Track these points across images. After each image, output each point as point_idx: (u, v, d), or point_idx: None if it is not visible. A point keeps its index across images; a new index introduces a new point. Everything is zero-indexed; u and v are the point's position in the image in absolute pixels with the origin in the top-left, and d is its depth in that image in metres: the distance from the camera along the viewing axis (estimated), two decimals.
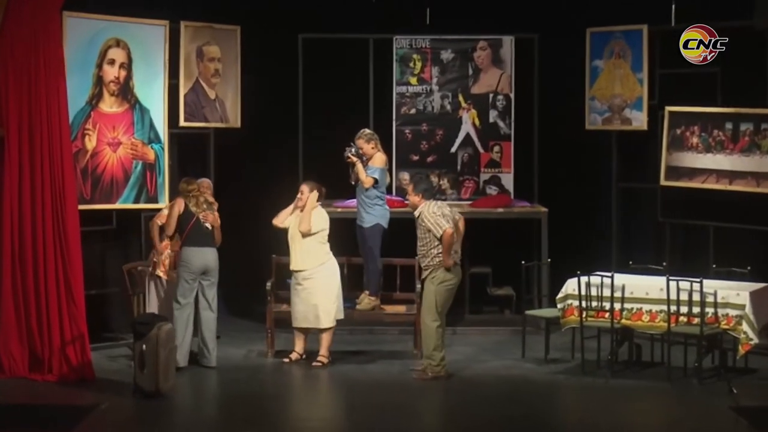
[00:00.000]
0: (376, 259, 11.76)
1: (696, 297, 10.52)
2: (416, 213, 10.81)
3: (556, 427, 9.80)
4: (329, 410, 10.44)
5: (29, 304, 10.60)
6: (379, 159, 11.69)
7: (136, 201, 12.08)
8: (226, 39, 12.68)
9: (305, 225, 11.12)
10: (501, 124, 13.52)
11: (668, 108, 12.40)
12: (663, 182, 12.48)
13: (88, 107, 11.68)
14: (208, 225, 11.10)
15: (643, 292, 10.83)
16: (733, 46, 11.74)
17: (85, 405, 9.86)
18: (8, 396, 10.19)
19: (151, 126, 12.10)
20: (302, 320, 11.31)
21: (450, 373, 10.85)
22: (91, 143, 11.73)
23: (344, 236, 11.80)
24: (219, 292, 11.34)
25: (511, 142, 13.49)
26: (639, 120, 12.66)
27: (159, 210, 11.77)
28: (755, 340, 10.50)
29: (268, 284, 11.70)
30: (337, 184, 11.87)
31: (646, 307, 10.81)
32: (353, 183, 11.77)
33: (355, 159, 11.61)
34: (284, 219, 11.30)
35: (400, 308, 11.93)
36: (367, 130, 11.90)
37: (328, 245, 11.30)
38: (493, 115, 13.51)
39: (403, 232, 11.58)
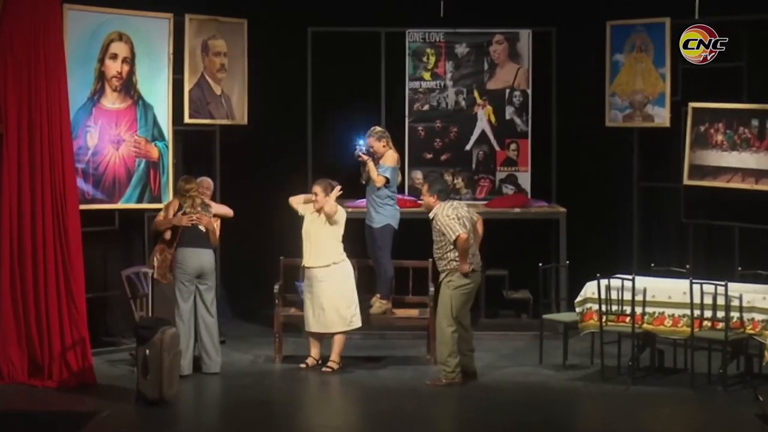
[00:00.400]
0: (387, 261, 11.72)
1: (720, 301, 10.46)
2: (431, 215, 10.78)
3: None
4: (339, 418, 10.37)
5: (28, 307, 10.55)
6: (390, 157, 11.66)
7: (139, 201, 12.06)
8: (232, 32, 12.67)
9: (331, 206, 11.01)
10: (518, 120, 13.47)
11: (692, 104, 12.37)
12: (686, 181, 12.44)
13: (90, 103, 11.67)
14: (201, 227, 11.01)
15: (666, 296, 10.77)
16: (760, 40, 11.77)
17: (86, 412, 9.79)
18: (7, 402, 10.13)
19: (155, 123, 12.08)
20: (314, 324, 11.29)
21: (464, 379, 10.80)
22: (92, 140, 11.70)
23: (354, 237, 11.75)
24: (224, 294, 11.34)
25: (528, 139, 13.47)
26: (661, 116, 12.62)
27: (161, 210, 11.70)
28: None
29: (276, 287, 11.62)
30: (347, 183, 11.81)
31: (668, 311, 10.75)
32: (364, 182, 11.74)
33: (366, 157, 11.58)
34: (300, 202, 11.27)
35: (413, 312, 11.88)
36: (378, 128, 11.88)
37: (342, 245, 11.26)
38: (509, 111, 13.47)
39: (414, 232, 11.58)
